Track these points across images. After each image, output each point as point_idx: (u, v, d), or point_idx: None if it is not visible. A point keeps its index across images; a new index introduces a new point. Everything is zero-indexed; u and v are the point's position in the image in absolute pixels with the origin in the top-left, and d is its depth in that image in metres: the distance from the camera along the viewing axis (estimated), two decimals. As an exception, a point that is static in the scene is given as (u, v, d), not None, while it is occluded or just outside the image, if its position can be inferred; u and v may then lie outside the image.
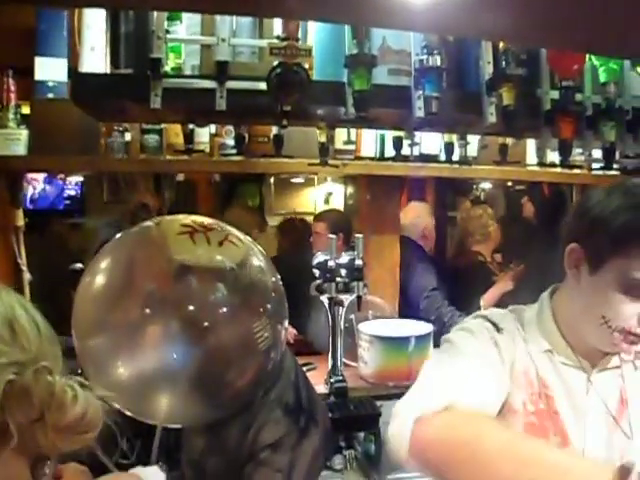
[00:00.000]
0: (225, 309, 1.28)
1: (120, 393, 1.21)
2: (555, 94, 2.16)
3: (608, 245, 1.12)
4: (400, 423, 1.07)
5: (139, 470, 1.15)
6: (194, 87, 1.74)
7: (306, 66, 1.67)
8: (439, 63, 1.93)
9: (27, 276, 2.62)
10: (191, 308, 1.25)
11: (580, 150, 2.36)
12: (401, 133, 2.37)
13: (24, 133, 2.39)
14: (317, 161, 2.06)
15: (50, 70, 2.57)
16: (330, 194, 5.71)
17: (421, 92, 1.93)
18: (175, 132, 2.57)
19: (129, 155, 2.58)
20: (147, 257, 1.34)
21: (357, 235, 2.38)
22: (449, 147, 2.40)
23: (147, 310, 1.24)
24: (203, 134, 2.60)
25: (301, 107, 1.74)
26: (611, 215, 1.13)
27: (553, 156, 2.45)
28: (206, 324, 1.25)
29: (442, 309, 3.19)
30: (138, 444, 1.44)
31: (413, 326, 2.63)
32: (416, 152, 2.61)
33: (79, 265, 2.51)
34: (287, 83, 1.60)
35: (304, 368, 1.96)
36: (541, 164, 2.46)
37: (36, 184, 4.47)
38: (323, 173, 3.88)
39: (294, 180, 5.50)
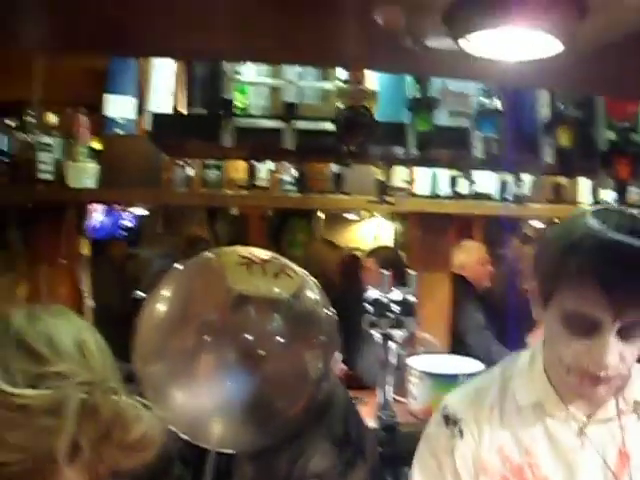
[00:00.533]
0: (280, 339, 1.32)
1: (176, 416, 1.26)
2: (611, 135, 2.18)
3: (549, 281, 1.06)
4: None
5: None
6: (263, 127, 1.82)
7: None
8: (498, 106, 1.99)
9: (89, 303, 2.72)
10: (247, 337, 1.30)
11: (637, 190, 2.37)
12: (457, 172, 2.41)
13: (94, 166, 2.51)
14: (375, 198, 2.12)
15: (119, 107, 2.71)
16: (378, 230, 5.75)
17: (480, 133, 1.98)
18: (235, 167, 2.65)
19: (190, 189, 2.67)
20: (206, 286, 1.40)
21: (410, 272, 2.41)
22: (503, 186, 2.44)
23: (205, 337, 1.30)
24: (263, 171, 2.68)
25: (364, 147, 1.81)
26: (547, 249, 1.09)
27: (606, 195, 2.46)
28: (261, 353, 1.30)
29: (491, 347, 3.18)
30: (189, 470, 1.48)
31: (463, 363, 2.63)
32: (470, 190, 2.65)
33: (141, 294, 2.60)
34: (354, 124, 1.66)
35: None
36: (596, 203, 2.47)
37: (95, 214, 4.62)
38: (378, 210, 3.93)
39: (347, 216, 5.56)
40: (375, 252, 3.70)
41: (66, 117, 2.58)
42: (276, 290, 1.35)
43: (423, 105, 1.81)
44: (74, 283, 2.63)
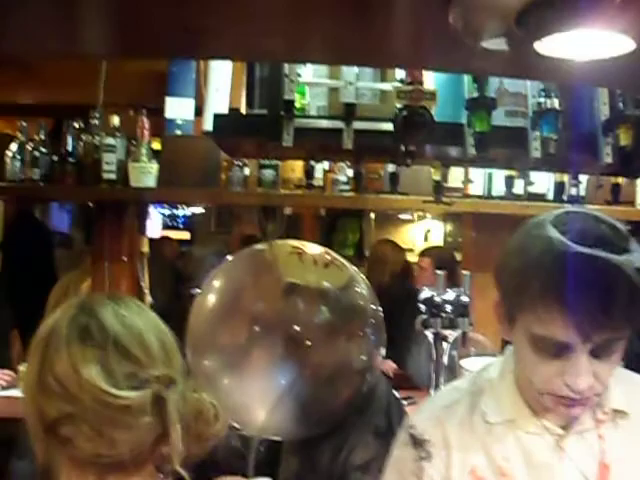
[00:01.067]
0: (327, 329, 1.36)
1: (226, 404, 1.32)
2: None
3: (512, 303, 0.99)
4: None
5: None
6: (322, 127, 1.86)
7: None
8: (556, 105, 1.97)
9: (149, 299, 2.81)
10: (295, 327, 1.34)
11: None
12: (513, 172, 2.40)
13: (155, 167, 2.58)
14: (431, 198, 2.13)
15: (179, 109, 2.79)
16: (429, 230, 5.74)
17: (538, 133, 1.98)
18: (291, 167, 2.71)
19: (247, 188, 2.73)
20: (257, 276, 1.45)
21: (464, 272, 2.41)
22: (560, 186, 2.42)
23: (255, 327, 1.34)
24: (317, 170, 2.72)
25: (422, 147, 1.83)
26: (506, 267, 1.00)
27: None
28: (308, 343, 1.33)
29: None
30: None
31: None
32: (525, 191, 2.64)
33: (198, 290, 2.67)
34: (413, 125, 1.68)
35: (404, 402, 2.00)
36: (656, 204, 2.43)
37: (152, 213, 4.75)
38: (433, 210, 3.93)
39: (401, 216, 5.59)
40: (429, 252, 3.71)
41: (128, 119, 2.67)
42: (325, 281, 1.39)
43: (481, 105, 1.82)
44: (135, 280, 2.72)
